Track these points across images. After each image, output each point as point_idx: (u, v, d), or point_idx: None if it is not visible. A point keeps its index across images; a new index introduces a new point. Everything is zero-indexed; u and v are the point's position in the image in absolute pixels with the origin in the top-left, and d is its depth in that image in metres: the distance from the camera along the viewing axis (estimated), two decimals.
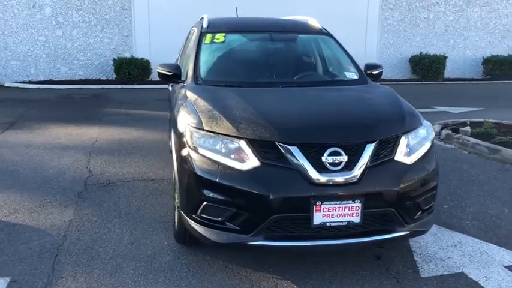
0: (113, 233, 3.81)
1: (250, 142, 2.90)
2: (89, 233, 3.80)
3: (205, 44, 4.24)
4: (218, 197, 2.90)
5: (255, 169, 2.84)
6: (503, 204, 4.52)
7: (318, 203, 2.80)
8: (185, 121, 3.22)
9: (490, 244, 3.66)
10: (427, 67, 15.49)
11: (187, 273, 3.19)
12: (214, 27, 4.45)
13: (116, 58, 13.45)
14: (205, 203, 2.94)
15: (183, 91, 3.76)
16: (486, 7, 16.93)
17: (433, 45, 16.57)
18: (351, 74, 4.14)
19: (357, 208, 2.86)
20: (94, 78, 13.91)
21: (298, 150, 2.85)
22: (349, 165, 2.88)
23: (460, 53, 16.99)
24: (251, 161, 2.86)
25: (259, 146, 2.90)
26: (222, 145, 2.97)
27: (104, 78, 13.95)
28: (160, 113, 9.23)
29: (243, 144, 2.91)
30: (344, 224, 2.88)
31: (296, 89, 3.78)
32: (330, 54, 4.45)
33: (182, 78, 4.05)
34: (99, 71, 13.99)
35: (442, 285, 3.08)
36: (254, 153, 2.88)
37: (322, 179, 2.83)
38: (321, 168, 2.84)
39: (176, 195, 3.32)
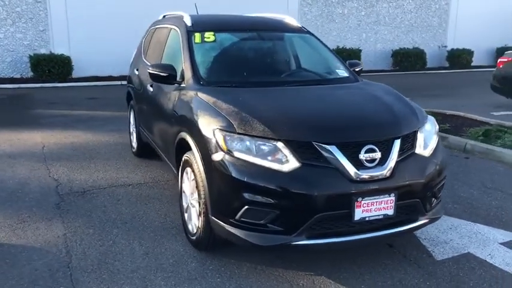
0: (120, 244, 3.61)
1: (288, 143, 2.93)
2: (94, 246, 3.57)
3: (196, 43, 4.13)
4: (260, 199, 2.88)
5: (296, 170, 2.87)
6: (470, 187, 4.98)
7: (359, 199, 2.91)
8: (211, 125, 3.14)
9: (478, 224, 4.03)
10: (345, 60, 16.26)
11: (221, 279, 3.14)
12: (200, 25, 4.35)
13: (32, 55, 12.48)
14: (246, 206, 2.91)
15: (189, 93, 3.64)
16: (393, 3, 18.21)
17: (347, 39, 17.47)
18: (342, 72, 4.30)
19: (391, 201, 3.01)
20: (6, 76, 12.78)
21: (337, 149, 2.93)
22: (382, 161, 3.02)
23: (371, 46, 18.10)
24: (291, 162, 2.89)
25: (296, 146, 2.93)
26: (259, 147, 2.95)
27: (18, 76, 12.87)
28: (100, 113, 8.83)
29: (280, 145, 2.92)
30: (380, 217, 3.02)
31: (305, 88, 3.83)
32: (318, 52, 4.56)
33: (178, 80, 3.92)
34: (12, 69, 12.89)
35: (459, 266, 3.35)
36: (293, 154, 2.90)
37: (361, 176, 2.93)
38: (358, 165, 2.95)
39: (200, 201, 3.22)
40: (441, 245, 3.66)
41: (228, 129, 3.04)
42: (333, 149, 2.92)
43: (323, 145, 2.93)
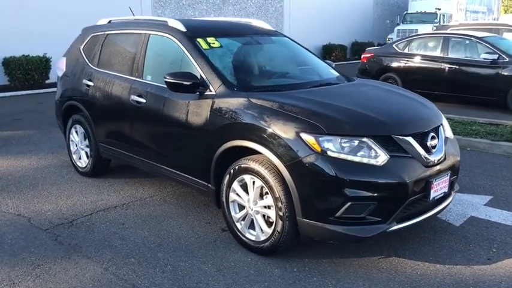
0: (181, 267, 3.36)
1: (374, 139, 3.15)
2: (156, 274, 3.26)
3: (205, 49, 4.00)
4: (362, 194, 3.06)
5: (387, 162, 3.12)
6: None
7: (433, 181, 3.30)
8: (292, 128, 3.16)
9: (457, 194, 4.77)
10: None
11: (317, 278, 3.20)
12: (195, 31, 4.19)
13: None
14: (349, 203, 3.04)
15: (235, 100, 3.52)
16: (237, 6, 19.13)
17: None
18: (334, 71, 4.61)
19: (447, 180, 3.49)
20: None
21: (413, 140, 3.26)
22: (438, 146, 3.46)
23: None
24: (382, 156, 3.12)
25: (380, 140, 3.17)
26: (350, 145, 3.11)
27: None
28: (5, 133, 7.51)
29: (369, 141, 3.13)
30: (442, 195, 3.46)
31: (341, 86, 4.04)
32: (305, 53, 4.77)
33: (201, 88, 3.77)
34: None
35: (475, 227, 3.99)
36: (380, 148, 3.14)
37: (432, 160, 3.33)
38: (427, 152, 3.33)
39: (281, 206, 3.22)
40: (448, 213, 4.27)
41: (316, 130, 3.12)
42: (410, 139, 3.25)
43: (402, 137, 3.23)
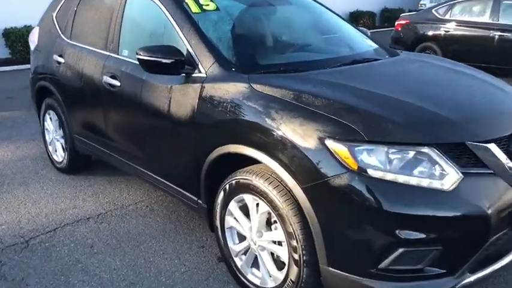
0: None
1: (439, 148, 2.05)
2: None
3: (194, 13, 2.91)
4: (421, 236, 1.98)
5: (460, 184, 2.02)
6: None
7: None
8: (314, 132, 2.07)
9: None
10: None
11: None
12: None
13: None
14: (401, 249, 1.98)
15: (231, 86, 2.46)
16: None
17: None
18: (371, 41, 3.46)
19: None
20: None
21: (496, 148, 2.14)
22: None
23: None
24: (451, 174, 2.02)
25: (448, 151, 2.07)
26: (402, 158, 2.02)
27: None
28: None
29: (431, 153, 2.03)
30: None
31: (382, 63, 2.92)
32: (331, 19, 3.62)
33: (187, 67, 2.70)
34: None
35: None
36: (449, 163, 2.04)
37: None
38: None
39: (297, 246, 2.18)
40: None
41: (350, 136, 2.03)
42: (492, 147, 2.13)
43: (481, 144, 2.11)
